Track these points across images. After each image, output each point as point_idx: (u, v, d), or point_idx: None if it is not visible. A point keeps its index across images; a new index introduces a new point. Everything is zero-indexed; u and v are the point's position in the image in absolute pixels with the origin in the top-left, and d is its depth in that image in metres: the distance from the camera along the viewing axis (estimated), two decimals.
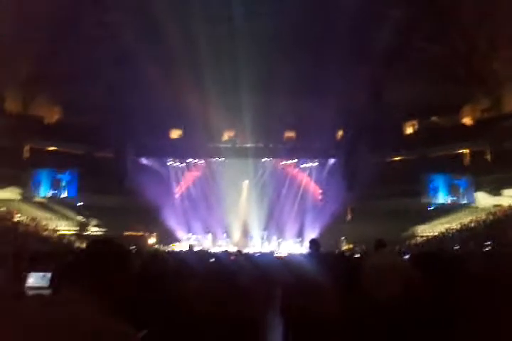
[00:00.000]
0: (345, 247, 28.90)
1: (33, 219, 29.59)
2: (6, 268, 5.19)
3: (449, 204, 33.17)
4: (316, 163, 35.64)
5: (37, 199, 33.60)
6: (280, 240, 30.43)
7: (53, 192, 33.46)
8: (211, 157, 35.74)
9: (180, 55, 28.87)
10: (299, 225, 32.47)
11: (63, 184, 33.45)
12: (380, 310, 3.45)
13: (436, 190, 33.25)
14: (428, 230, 30.99)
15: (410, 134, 37.72)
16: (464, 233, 27.98)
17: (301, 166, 36.02)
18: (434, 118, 36.64)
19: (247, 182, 35.09)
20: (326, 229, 30.06)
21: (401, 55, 33.10)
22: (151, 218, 30.65)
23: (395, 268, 4.97)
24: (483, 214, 29.81)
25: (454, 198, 33.04)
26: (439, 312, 3.18)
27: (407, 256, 8.92)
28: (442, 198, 33.17)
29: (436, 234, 29.78)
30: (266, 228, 32.02)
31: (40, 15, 28.92)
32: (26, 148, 34.72)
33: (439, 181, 33.35)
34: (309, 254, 5.95)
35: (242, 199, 34.76)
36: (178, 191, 35.82)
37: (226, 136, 36.60)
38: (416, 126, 37.55)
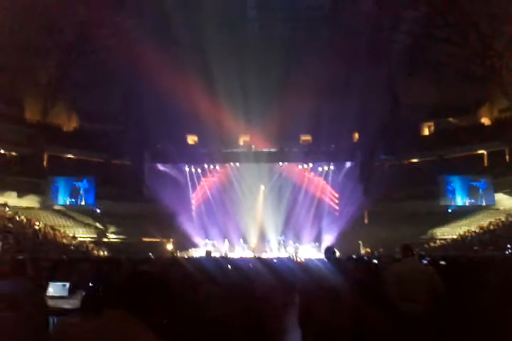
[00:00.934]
0: (363, 251, 28.66)
1: (52, 226, 29.92)
2: (27, 276, 5.23)
3: (467, 206, 32.71)
4: (332, 167, 35.43)
5: (56, 206, 33.98)
6: (297, 245, 30.27)
7: (72, 199, 33.78)
8: (227, 162, 35.78)
9: (195, 62, 29.06)
10: (316, 229, 32.28)
11: (81, 191, 33.75)
12: (403, 320, 3.41)
13: (454, 192, 32.82)
14: (447, 233, 30.59)
15: (427, 135, 37.38)
16: (484, 236, 27.59)
17: (318, 170, 35.82)
18: (451, 119, 36.24)
19: (263, 186, 35.03)
20: (343, 233, 29.87)
21: (418, 56, 32.91)
22: (168, 224, 30.75)
23: (420, 276, 4.88)
24: (503, 216, 29.37)
25: (473, 200, 32.56)
26: (462, 322, 3.14)
27: (425, 261, 8.81)
28: (461, 200, 32.72)
29: (455, 236, 29.39)
30: (283, 233, 31.86)
31: (58, 26, 29.38)
32: (45, 156, 35.17)
33: (458, 183, 32.91)
34: (327, 260, 5.90)
35: (259, 203, 34.68)
36: (194, 197, 35.91)
37: (242, 140, 36.65)
38: (433, 127, 37.20)
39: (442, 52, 32.19)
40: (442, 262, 9.09)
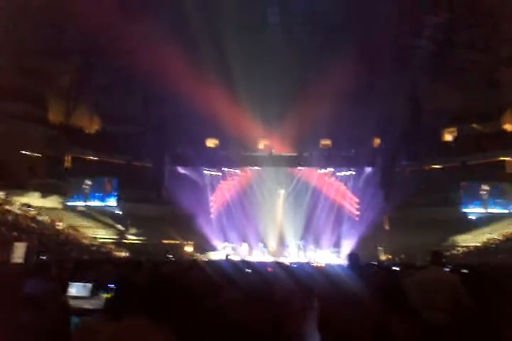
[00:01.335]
0: (383, 257, 28.43)
1: (74, 227, 30.32)
2: (50, 277, 5.32)
3: (490, 213, 32.17)
4: (353, 172, 35.20)
5: (78, 207, 34.40)
6: (317, 250, 30.13)
7: (93, 200, 34.14)
8: (246, 166, 35.82)
9: (215, 65, 29.21)
10: (336, 235, 32.13)
11: (103, 193, 34.11)
12: (426, 329, 3.37)
13: (477, 199, 32.32)
14: (469, 240, 30.14)
15: (450, 142, 36.91)
16: (508, 243, 27.13)
17: (338, 175, 35.63)
18: (474, 125, 35.75)
19: (282, 191, 34.98)
20: (363, 238, 29.64)
21: (440, 61, 32.59)
22: (187, 226, 30.93)
23: (443, 285, 4.80)
24: None
25: (496, 207, 32.03)
26: (486, 331, 3.09)
27: (447, 269, 8.69)
28: (484, 207, 32.19)
29: (478, 244, 28.93)
30: (302, 237, 31.75)
31: (79, 30, 29.84)
32: (67, 157, 35.69)
33: (480, 189, 32.40)
34: (348, 266, 5.87)
35: (278, 208, 34.63)
36: (214, 200, 36.04)
37: (261, 144, 36.67)
38: (455, 133, 36.73)
39: (466, 58, 31.82)
40: (465, 270, 8.97)
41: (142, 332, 1.99)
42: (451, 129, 36.86)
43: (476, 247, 28.49)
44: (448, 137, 37.25)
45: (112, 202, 33.99)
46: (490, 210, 32.09)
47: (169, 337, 2.03)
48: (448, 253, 27.89)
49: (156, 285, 2.35)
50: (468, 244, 29.58)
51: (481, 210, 32.18)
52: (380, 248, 29.05)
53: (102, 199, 34.10)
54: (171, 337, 2.03)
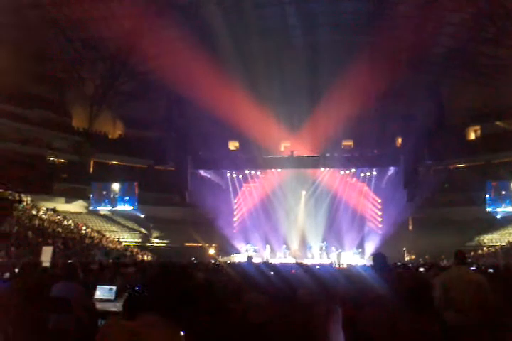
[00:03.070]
0: (407, 258, 28.11)
1: (99, 231, 30.72)
2: (78, 280, 5.42)
3: None
4: (375, 172, 34.84)
5: (102, 211, 34.84)
6: (340, 251, 29.93)
7: (117, 204, 34.54)
8: (268, 168, 35.73)
9: (236, 68, 29.32)
10: (359, 236, 31.86)
11: (126, 197, 34.48)
12: (451, 331, 3.32)
13: (502, 198, 31.69)
14: (495, 240, 29.62)
15: (474, 140, 36.34)
16: None
17: (360, 175, 35.28)
18: (498, 123, 35.10)
19: (304, 192, 34.82)
20: (386, 239, 29.34)
21: (464, 59, 32.16)
22: (210, 229, 31.06)
23: (468, 285, 4.73)
24: None
25: None
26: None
27: (472, 268, 8.57)
28: (509, 206, 31.56)
29: (503, 244, 28.41)
30: (325, 239, 31.54)
31: (102, 38, 30.31)
32: (91, 162, 36.23)
33: (506, 188, 31.77)
34: (372, 267, 5.81)
35: (300, 209, 34.48)
36: (236, 202, 36.07)
37: (283, 146, 36.60)
38: (479, 131, 36.14)
39: (489, 55, 31.32)
40: (491, 270, 8.83)
41: (152, 330, 2.03)
42: (475, 127, 36.30)
43: (502, 247, 27.99)
44: (472, 135, 36.69)
45: (136, 205, 34.33)
46: None
47: (178, 335, 2.06)
48: (473, 254, 27.49)
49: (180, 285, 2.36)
50: (494, 244, 29.08)
51: (508, 209, 31.51)
52: (404, 248, 28.74)
53: (127, 203, 34.47)
54: (180, 335, 2.06)
